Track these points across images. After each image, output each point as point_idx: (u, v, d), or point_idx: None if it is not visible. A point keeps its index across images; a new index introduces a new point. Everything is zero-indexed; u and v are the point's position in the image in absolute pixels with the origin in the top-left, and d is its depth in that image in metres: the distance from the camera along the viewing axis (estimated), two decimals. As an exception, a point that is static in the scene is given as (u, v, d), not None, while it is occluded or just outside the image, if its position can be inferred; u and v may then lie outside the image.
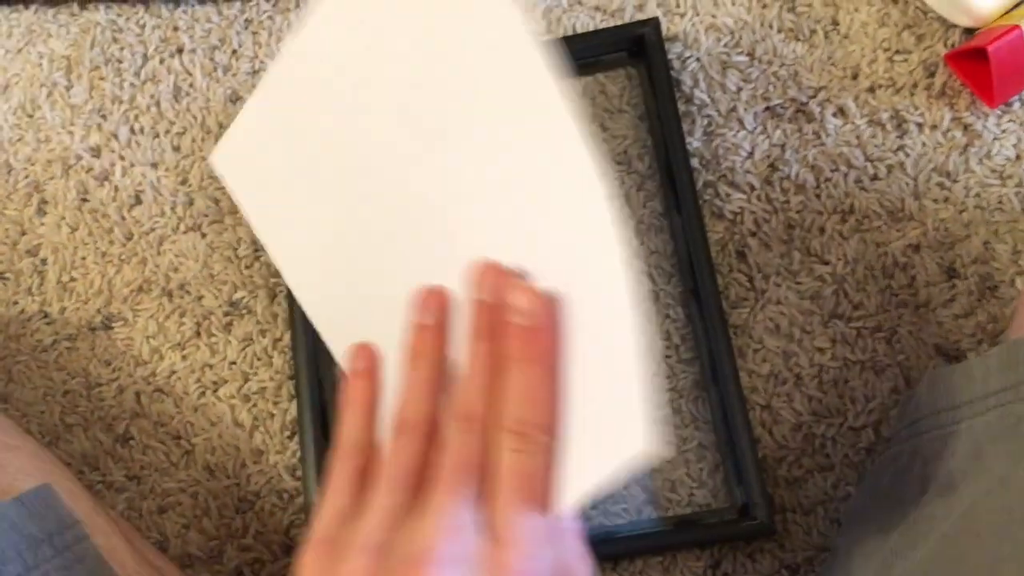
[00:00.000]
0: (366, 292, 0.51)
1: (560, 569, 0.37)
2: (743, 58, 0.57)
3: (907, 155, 0.54)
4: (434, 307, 0.42)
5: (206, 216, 0.59)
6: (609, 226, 0.39)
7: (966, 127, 0.54)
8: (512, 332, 0.38)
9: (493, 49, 0.45)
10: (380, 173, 0.51)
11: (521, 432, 0.37)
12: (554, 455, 0.37)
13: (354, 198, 0.52)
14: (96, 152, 0.61)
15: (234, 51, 0.62)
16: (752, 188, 0.55)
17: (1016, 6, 0.53)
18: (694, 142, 0.56)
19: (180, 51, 0.62)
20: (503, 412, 0.38)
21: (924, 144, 0.54)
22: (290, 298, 0.55)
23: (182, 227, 0.59)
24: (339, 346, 0.51)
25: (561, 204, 0.41)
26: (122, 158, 0.61)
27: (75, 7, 0.63)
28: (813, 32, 0.57)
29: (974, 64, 0.54)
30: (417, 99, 0.49)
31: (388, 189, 0.51)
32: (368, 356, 0.44)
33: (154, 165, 0.60)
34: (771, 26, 0.57)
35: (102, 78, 0.62)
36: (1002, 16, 0.53)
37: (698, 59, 0.57)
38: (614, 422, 0.37)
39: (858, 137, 0.55)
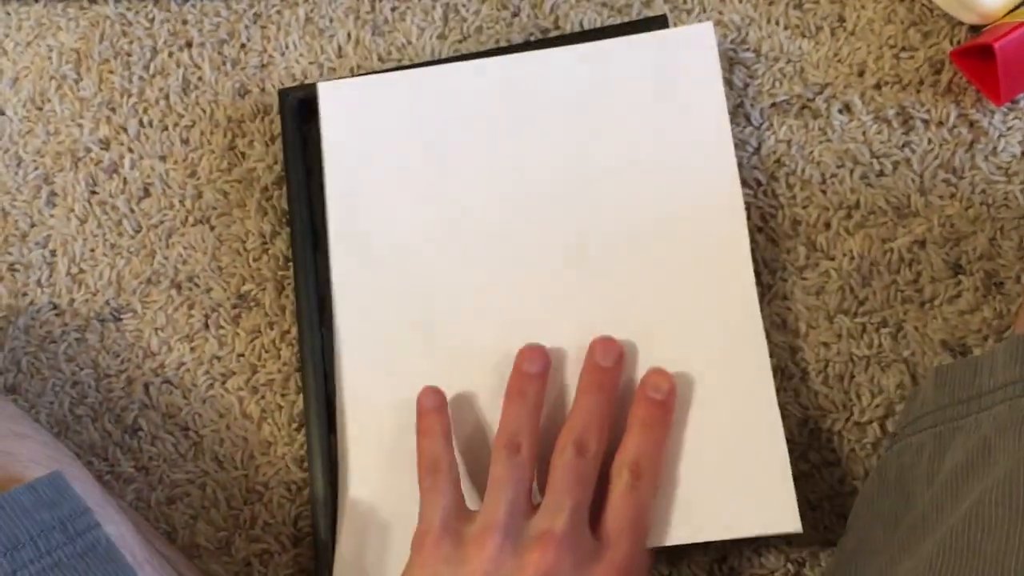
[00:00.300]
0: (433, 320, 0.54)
1: None
2: (749, 54, 0.57)
3: (913, 151, 0.55)
4: (539, 360, 0.51)
5: (215, 209, 0.59)
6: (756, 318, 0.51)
7: (972, 124, 0.55)
8: (648, 404, 0.49)
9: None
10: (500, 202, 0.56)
11: (638, 472, 0.47)
12: (654, 501, 0.48)
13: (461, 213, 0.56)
14: (105, 145, 0.61)
15: (243, 45, 0.62)
16: (758, 184, 0.56)
17: (1023, 3, 0.53)
18: (701, 138, 0.56)
19: (189, 45, 0.62)
20: (625, 453, 0.48)
21: (930, 141, 0.55)
22: (297, 291, 0.56)
23: (191, 220, 0.59)
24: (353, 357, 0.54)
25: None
26: (131, 151, 0.61)
27: (84, 1, 0.64)
28: (819, 29, 0.57)
29: (980, 61, 0.54)
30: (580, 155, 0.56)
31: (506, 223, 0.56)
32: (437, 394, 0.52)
33: (163, 158, 0.60)
34: (777, 22, 0.58)
35: (111, 71, 0.62)
36: (1009, 13, 0.53)
37: (706, 55, 0.58)
38: (768, 494, 0.48)
39: (864, 133, 0.55)
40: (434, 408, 0.51)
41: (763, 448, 0.49)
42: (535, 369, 0.50)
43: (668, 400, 0.49)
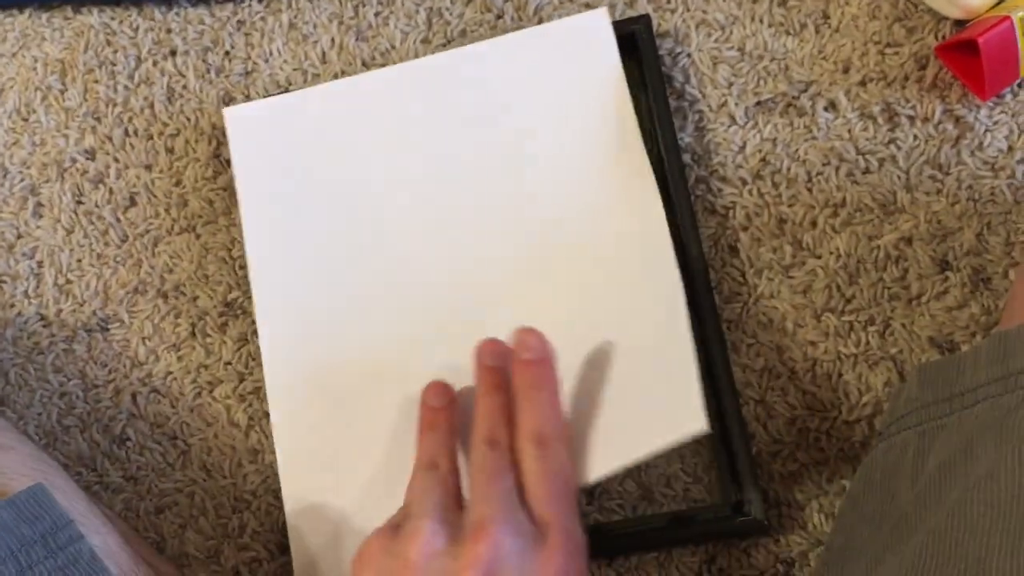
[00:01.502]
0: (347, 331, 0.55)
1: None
2: (734, 53, 0.57)
3: (899, 148, 0.54)
4: (443, 395, 0.50)
5: (200, 217, 0.59)
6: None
7: (958, 119, 0.54)
8: (523, 366, 0.47)
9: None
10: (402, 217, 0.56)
11: (540, 441, 0.45)
12: (569, 456, 0.46)
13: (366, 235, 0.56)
14: (91, 155, 0.61)
15: (227, 52, 0.62)
16: (744, 183, 0.55)
17: (1006, -3, 0.53)
18: (685, 137, 0.56)
19: (173, 53, 0.62)
20: (521, 429, 0.46)
21: (916, 137, 0.54)
22: (284, 298, 0.56)
23: (176, 228, 0.59)
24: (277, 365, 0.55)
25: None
26: (117, 160, 0.61)
27: (69, 11, 0.64)
28: (803, 26, 0.57)
29: (965, 56, 0.54)
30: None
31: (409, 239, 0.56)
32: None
33: (148, 167, 0.60)
34: (761, 20, 0.57)
35: (96, 81, 0.62)
36: (992, 8, 0.53)
37: (689, 55, 0.57)
38: (675, 402, 0.46)
39: (849, 131, 0.55)
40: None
41: (670, 359, 0.47)
42: (440, 403, 0.50)
43: (544, 356, 0.47)
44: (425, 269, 0.55)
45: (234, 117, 0.58)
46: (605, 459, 0.47)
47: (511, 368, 0.48)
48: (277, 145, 0.58)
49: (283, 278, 0.56)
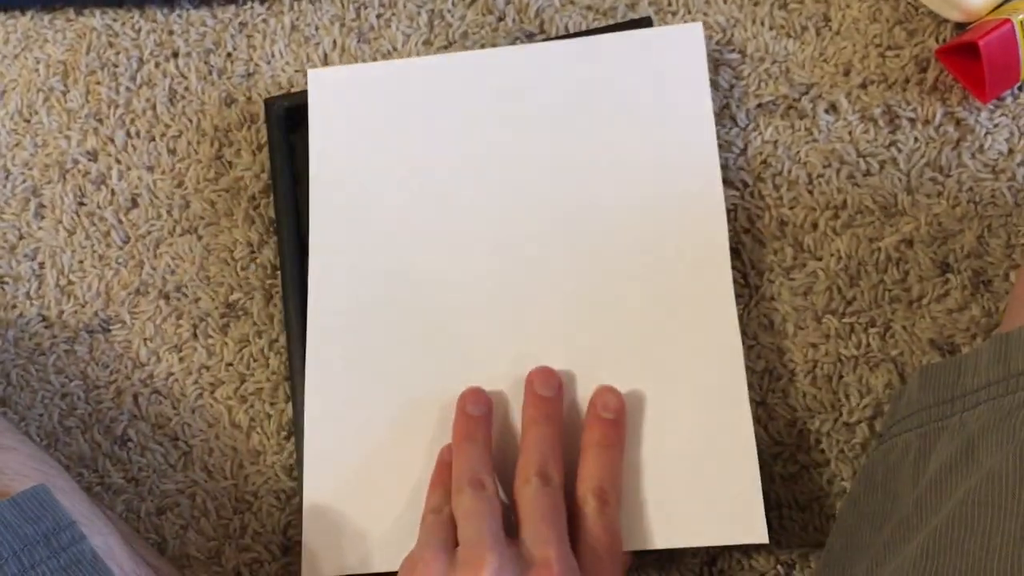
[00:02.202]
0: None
1: None
2: (735, 55, 0.57)
3: (899, 150, 0.55)
4: (482, 402, 0.51)
5: (202, 219, 0.59)
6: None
7: (958, 122, 0.54)
8: (601, 424, 0.49)
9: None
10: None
11: (603, 498, 0.47)
12: (619, 522, 0.48)
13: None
14: (93, 156, 0.61)
15: (229, 54, 0.62)
16: (745, 185, 0.55)
17: (1007, 0, 0.53)
18: (687, 140, 0.56)
19: (175, 55, 0.62)
20: (586, 481, 0.48)
21: (916, 139, 0.55)
22: (285, 299, 0.56)
23: (178, 230, 0.59)
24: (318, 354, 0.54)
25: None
26: (119, 162, 0.61)
27: (71, 12, 0.64)
28: (804, 29, 0.57)
29: (966, 59, 0.54)
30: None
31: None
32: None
33: (150, 168, 0.61)
34: (763, 23, 0.58)
35: (98, 83, 0.62)
36: (993, 10, 0.53)
37: (690, 57, 0.57)
38: (736, 506, 0.48)
39: (850, 133, 0.55)
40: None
41: (735, 459, 0.49)
42: (479, 412, 0.50)
43: (619, 418, 0.49)
44: (480, 267, 0.54)
45: (317, 79, 0.58)
46: (656, 535, 0.49)
47: (561, 400, 0.50)
48: (354, 112, 0.58)
49: (342, 243, 0.55)
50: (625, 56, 0.56)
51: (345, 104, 0.58)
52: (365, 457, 0.52)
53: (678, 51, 0.56)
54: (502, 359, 0.52)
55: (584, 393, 0.51)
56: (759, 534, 0.48)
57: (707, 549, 0.51)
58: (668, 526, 0.49)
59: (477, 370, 0.52)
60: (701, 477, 0.49)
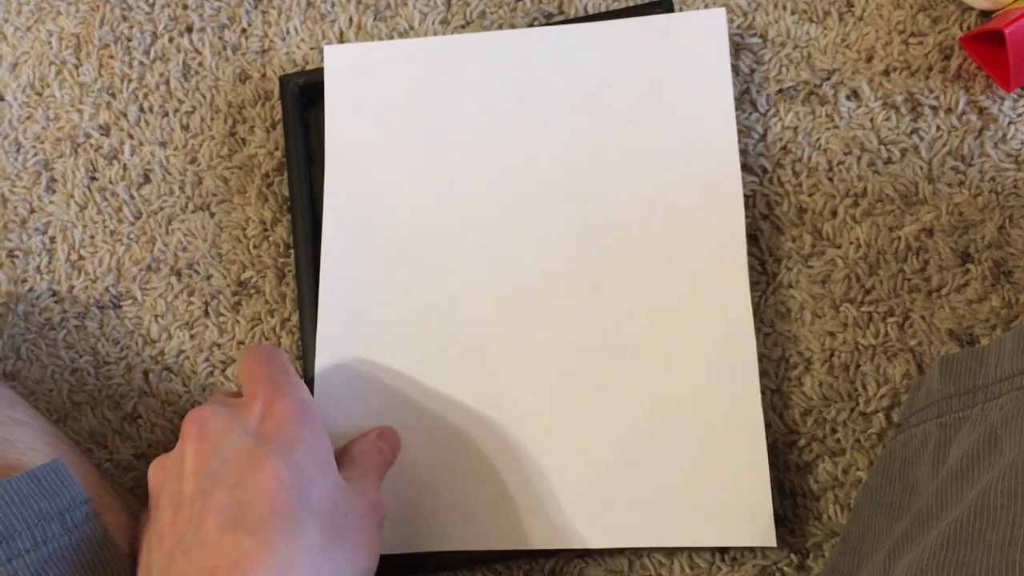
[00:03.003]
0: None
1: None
2: (756, 40, 0.57)
3: (921, 138, 0.54)
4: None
5: (215, 196, 0.59)
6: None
7: (981, 110, 0.54)
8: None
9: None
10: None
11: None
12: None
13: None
14: (105, 130, 0.61)
15: (243, 30, 0.61)
16: (764, 171, 0.55)
17: (1034, -12, 0.52)
18: (706, 124, 0.56)
19: (189, 30, 0.62)
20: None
21: (939, 128, 0.54)
22: (298, 278, 0.55)
23: (191, 206, 0.59)
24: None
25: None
26: (131, 137, 0.60)
27: (85, -15, 0.63)
28: (827, 14, 0.56)
29: (990, 47, 0.53)
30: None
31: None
32: None
33: (163, 144, 0.60)
34: (784, 7, 0.57)
35: (111, 56, 0.62)
36: (1020, -2, 0.53)
37: (711, 40, 0.57)
38: (746, 508, 0.48)
39: (872, 120, 0.55)
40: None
41: (746, 458, 0.49)
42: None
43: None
44: (492, 249, 0.54)
45: (333, 55, 0.58)
46: (663, 532, 0.49)
47: None
48: (370, 90, 0.57)
49: (356, 221, 0.55)
50: (645, 41, 0.55)
51: (361, 81, 0.57)
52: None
53: (700, 37, 0.55)
54: (514, 341, 0.52)
55: (595, 375, 0.51)
56: (767, 537, 0.48)
57: (719, 536, 0.50)
58: (675, 524, 0.49)
59: (490, 353, 0.52)
60: (711, 476, 0.49)
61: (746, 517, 0.48)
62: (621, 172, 0.54)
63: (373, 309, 0.53)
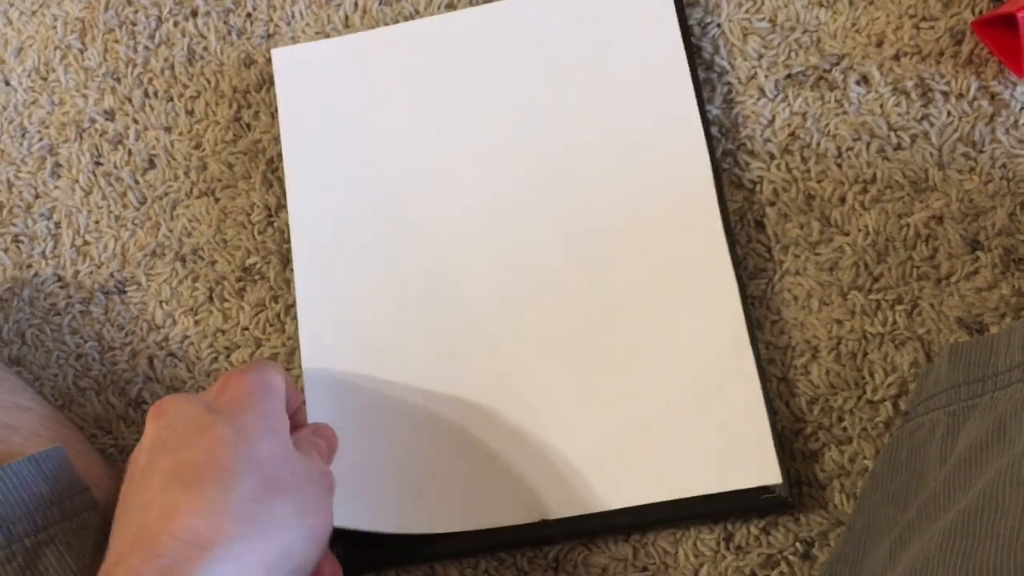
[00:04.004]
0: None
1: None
2: (765, 24, 0.56)
3: (931, 124, 0.53)
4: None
5: (219, 181, 0.58)
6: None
7: (993, 96, 0.53)
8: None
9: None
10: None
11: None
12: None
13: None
14: (110, 115, 0.60)
15: (248, 14, 0.61)
16: (772, 157, 0.54)
17: (1047, -28, 0.52)
18: (713, 110, 0.55)
19: (194, 14, 0.61)
20: None
21: (949, 113, 0.53)
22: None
23: (195, 192, 0.59)
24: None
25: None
26: (136, 121, 0.60)
27: (89, -31, 0.63)
28: (837, -2, 0.56)
29: (1002, 32, 0.52)
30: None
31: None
32: None
33: (168, 129, 0.60)
34: (794, -8, 0.56)
35: (116, 41, 0.62)
36: (1033, -18, 0.52)
37: (719, 25, 0.56)
38: (747, 448, 0.48)
39: (882, 106, 0.54)
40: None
41: (742, 402, 0.49)
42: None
43: None
44: (463, 231, 0.54)
45: (282, 59, 0.58)
46: (666, 486, 0.49)
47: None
48: (324, 89, 0.57)
49: (323, 226, 0.55)
50: (596, 10, 0.56)
51: (313, 81, 0.57)
52: (364, 422, 0.52)
53: (645, 5, 0.55)
54: (500, 317, 0.52)
55: (582, 346, 0.51)
56: (772, 475, 0.48)
57: (724, 525, 0.50)
58: (678, 477, 0.49)
59: (475, 332, 0.52)
60: (708, 425, 0.49)
61: (749, 459, 0.48)
62: (583, 146, 0.54)
63: (353, 306, 0.54)
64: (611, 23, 0.56)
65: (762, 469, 0.48)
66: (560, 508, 0.50)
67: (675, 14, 0.55)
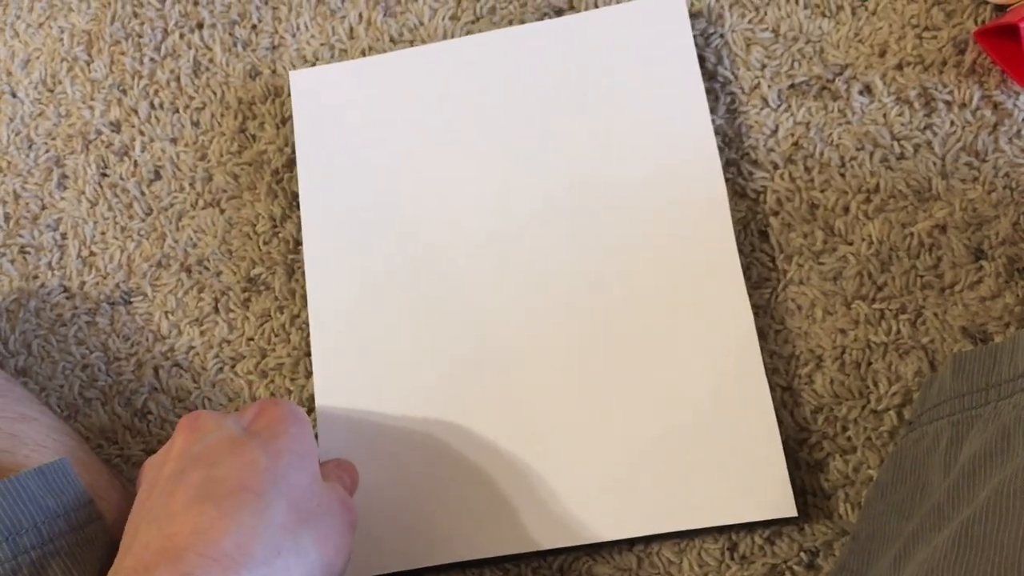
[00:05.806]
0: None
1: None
2: (768, 34, 0.56)
3: (935, 134, 0.53)
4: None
5: (225, 192, 0.59)
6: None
7: (996, 106, 0.53)
8: None
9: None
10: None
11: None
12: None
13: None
14: (116, 127, 0.61)
15: (254, 26, 0.61)
16: (775, 167, 0.54)
17: (1050, -19, 0.52)
18: (717, 119, 0.55)
19: (200, 26, 0.62)
20: None
21: (952, 123, 0.53)
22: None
23: (201, 203, 0.59)
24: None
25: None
26: (142, 133, 0.60)
27: (96, -19, 0.63)
28: (840, 8, 0.56)
29: (1005, 42, 0.53)
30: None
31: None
32: None
33: (174, 140, 0.60)
34: (797, 2, 0.56)
35: (122, 53, 0.62)
36: (1035, -8, 0.52)
37: (722, 35, 0.57)
38: (762, 480, 0.48)
39: (885, 115, 0.54)
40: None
41: (756, 434, 0.49)
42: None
43: None
44: (478, 255, 0.54)
45: (300, 81, 0.58)
46: (680, 516, 0.49)
47: None
48: (340, 112, 0.57)
49: (339, 245, 0.55)
50: (607, 31, 0.56)
51: (330, 103, 0.57)
52: (375, 437, 0.52)
53: (661, 22, 0.55)
54: (512, 341, 0.52)
55: (594, 372, 0.51)
56: (787, 508, 0.48)
57: (728, 535, 0.50)
58: (692, 507, 0.49)
59: (488, 358, 0.52)
60: (723, 457, 0.49)
61: (763, 491, 0.48)
62: (600, 166, 0.54)
63: (366, 326, 0.54)
64: (626, 42, 0.55)
65: (777, 500, 0.48)
66: (572, 537, 0.49)
67: (690, 31, 0.55)
